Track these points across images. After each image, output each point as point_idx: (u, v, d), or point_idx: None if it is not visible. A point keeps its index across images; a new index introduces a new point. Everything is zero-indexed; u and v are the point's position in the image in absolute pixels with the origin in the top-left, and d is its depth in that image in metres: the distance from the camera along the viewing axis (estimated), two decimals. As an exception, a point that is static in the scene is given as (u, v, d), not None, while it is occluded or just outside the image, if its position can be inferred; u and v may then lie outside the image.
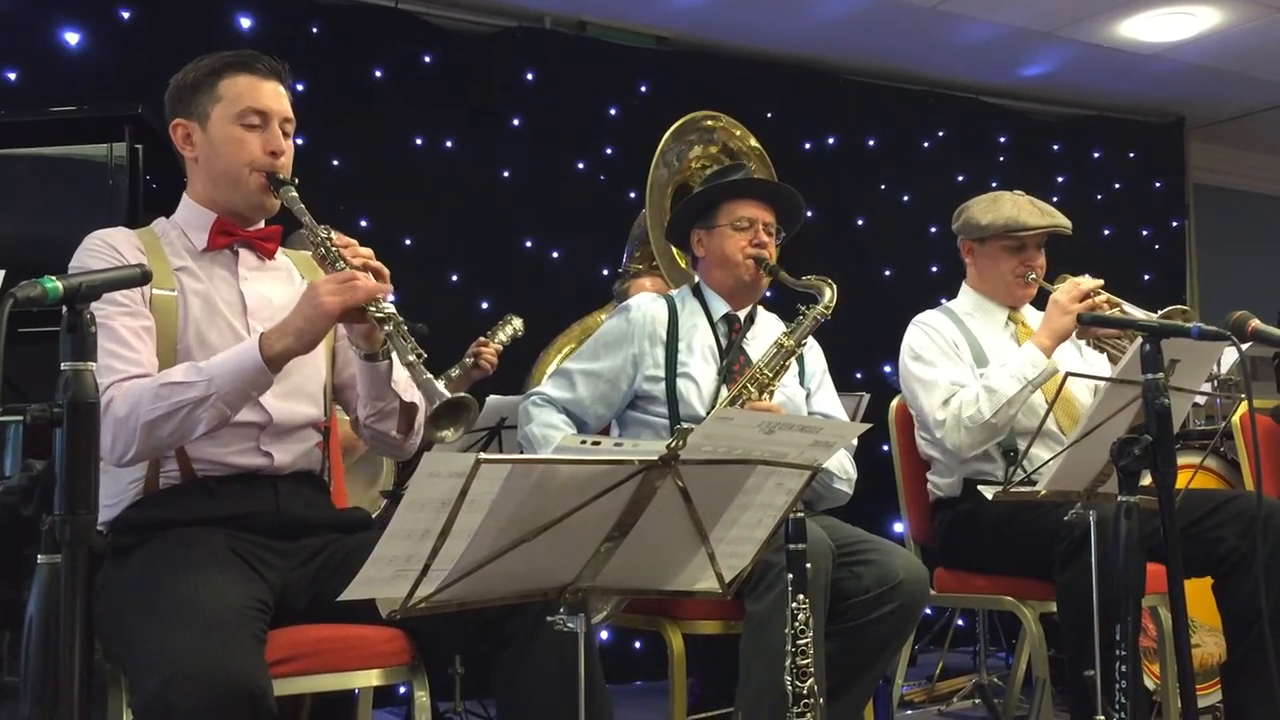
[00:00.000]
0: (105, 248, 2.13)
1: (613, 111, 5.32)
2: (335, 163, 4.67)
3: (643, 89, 5.36)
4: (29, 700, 1.50)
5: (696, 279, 3.03)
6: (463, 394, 1.89)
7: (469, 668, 3.81)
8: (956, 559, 3.19)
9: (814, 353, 3.03)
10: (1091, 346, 3.22)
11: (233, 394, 1.99)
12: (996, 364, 3.08)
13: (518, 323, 3.81)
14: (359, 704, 2.69)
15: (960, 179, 6.09)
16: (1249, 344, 2.30)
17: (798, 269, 2.92)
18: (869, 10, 5.33)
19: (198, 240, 2.22)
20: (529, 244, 5.08)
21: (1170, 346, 2.19)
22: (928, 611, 3.63)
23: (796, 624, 2.14)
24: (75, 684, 1.45)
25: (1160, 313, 2.89)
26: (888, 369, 4.88)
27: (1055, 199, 3.37)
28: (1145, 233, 6.87)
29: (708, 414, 2.60)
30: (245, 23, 4.56)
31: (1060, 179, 6.53)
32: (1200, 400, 3.71)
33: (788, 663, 2.13)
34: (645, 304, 2.92)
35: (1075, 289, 3.00)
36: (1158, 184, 6.92)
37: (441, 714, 3.85)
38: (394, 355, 2.09)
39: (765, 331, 2.96)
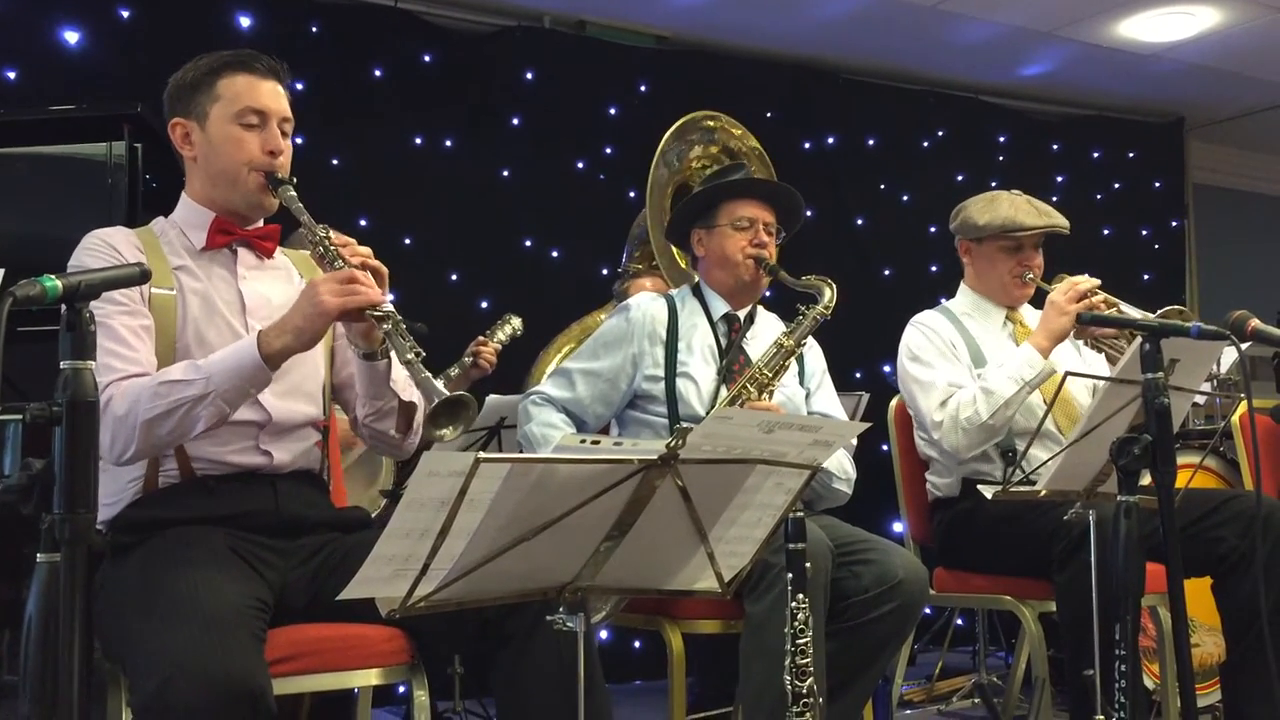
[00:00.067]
0: (104, 247, 2.13)
1: (612, 111, 5.31)
2: (335, 162, 4.67)
3: (642, 88, 5.36)
4: (28, 699, 1.50)
5: (696, 279, 3.03)
6: (462, 392, 1.89)
7: (468, 667, 3.81)
8: (956, 558, 3.19)
9: (814, 353, 3.03)
10: (1090, 346, 3.22)
11: (231, 392, 1.99)
12: (994, 364, 3.07)
13: (517, 322, 3.81)
14: (358, 703, 2.69)
15: (960, 178, 6.09)
16: (1248, 344, 2.31)
17: (797, 269, 2.92)
18: (869, 10, 5.33)
19: (196, 239, 2.22)
20: (528, 243, 5.07)
21: (1170, 346, 2.19)
22: (927, 611, 3.63)
23: (796, 623, 2.14)
24: (75, 683, 1.45)
25: (1158, 313, 2.89)
26: (887, 368, 4.87)
27: (1055, 199, 3.37)
28: (1145, 232, 6.87)
29: (707, 414, 2.60)
30: (245, 22, 4.56)
31: (1060, 179, 6.53)
32: (1200, 400, 3.70)
33: (787, 662, 2.13)
34: (645, 303, 2.92)
35: (1072, 289, 2.99)
36: (1157, 184, 6.92)
37: (440, 713, 3.85)
38: (392, 354, 2.09)
39: (765, 331, 2.96)
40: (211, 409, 1.98)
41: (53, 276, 1.51)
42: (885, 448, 3.50)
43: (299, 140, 2.33)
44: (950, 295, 3.41)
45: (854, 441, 2.78)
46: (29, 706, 1.50)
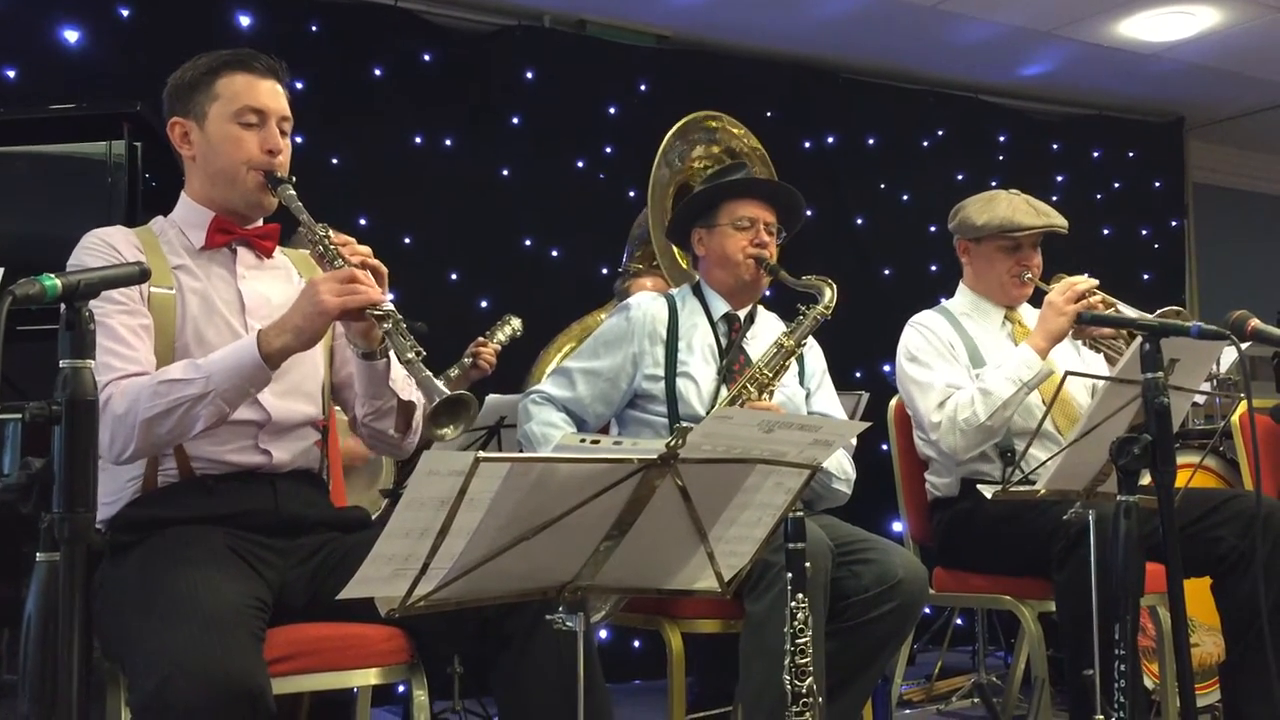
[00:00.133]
0: (103, 246, 2.13)
1: (612, 110, 5.31)
2: (334, 161, 4.66)
3: (642, 88, 5.36)
4: (28, 698, 1.50)
5: (697, 278, 3.03)
6: (462, 391, 1.89)
7: (468, 667, 3.80)
8: (955, 558, 3.19)
9: (814, 352, 3.02)
10: (1088, 346, 3.22)
11: (231, 391, 1.99)
12: (992, 365, 3.07)
13: (516, 323, 3.81)
14: (358, 703, 2.69)
15: (960, 178, 6.09)
16: (1248, 343, 2.31)
17: (798, 268, 2.92)
18: (869, 9, 5.33)
19: (196, 239, 2.22)
20: (528, 243, 5.07)
21: (1170, 346, 2.19)
22: (926, 611, 3.63)
23: (796, 623, 2.14)
24: (74, 682, 1.45)
25: (1156, 313, 2.88)
26: (887, 368, 4.87)
27: (1055, 198, 3.37)
28: (1145, 232, 6.87)
29: (707, 413, 2.60)
30: (244, 21, 4.56)
31: (1060, 178, 6.53)
32: (1200, 400, 3.71)
33: (787, 662, 2.13)
34: (645, 303, 2.92)
35: (1070, 289, 2.99)
36: (1157, 183, 6.92)
37: (440, 713, 3.85)
38: (392, 353, 2.09)
39: (765, 331, 2.96)
40: (211, 408, 1.98)
41: (52, 275, 1.51)
42: (885, 447, 3.50)
43: (298, 139, 2.33)
44: (950, 295, 3.41)
45: (854, 441, 2.78)
46: (28, 705, 1.50)
